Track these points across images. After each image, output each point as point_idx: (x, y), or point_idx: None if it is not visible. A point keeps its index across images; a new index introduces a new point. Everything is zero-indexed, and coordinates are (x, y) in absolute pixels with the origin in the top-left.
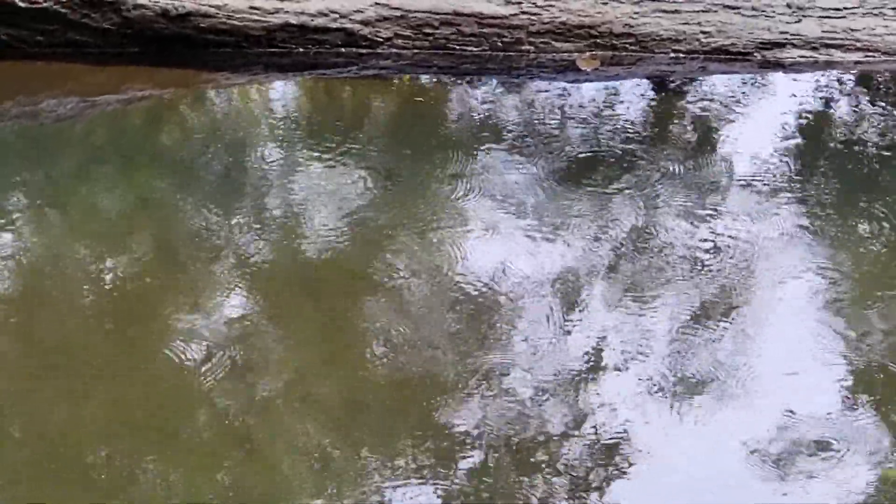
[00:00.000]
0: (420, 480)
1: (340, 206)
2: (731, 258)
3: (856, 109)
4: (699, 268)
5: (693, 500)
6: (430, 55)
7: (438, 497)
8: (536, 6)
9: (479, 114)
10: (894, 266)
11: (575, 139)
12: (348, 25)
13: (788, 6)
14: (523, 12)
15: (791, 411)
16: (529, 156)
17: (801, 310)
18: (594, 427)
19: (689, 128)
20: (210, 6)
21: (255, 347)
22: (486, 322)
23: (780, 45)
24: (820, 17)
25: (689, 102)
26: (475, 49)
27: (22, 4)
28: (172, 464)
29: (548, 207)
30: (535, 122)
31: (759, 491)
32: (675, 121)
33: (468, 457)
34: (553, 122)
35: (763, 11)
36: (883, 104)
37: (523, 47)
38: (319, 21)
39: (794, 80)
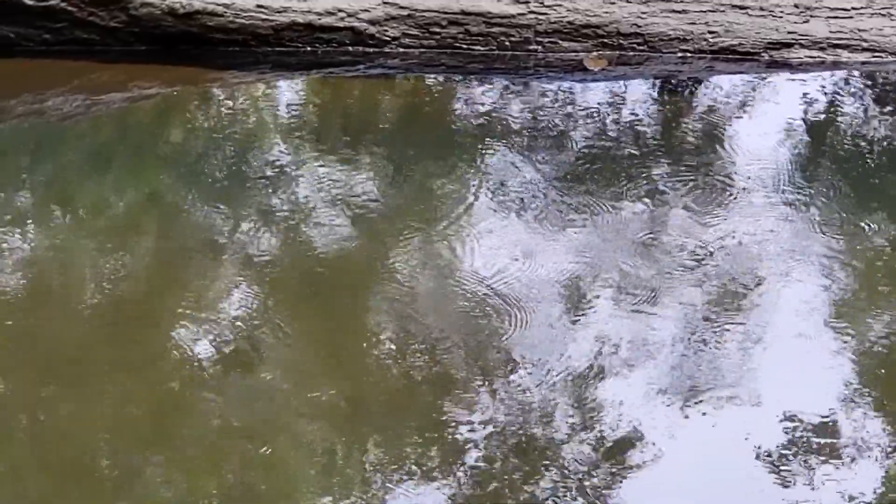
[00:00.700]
0: (425, 479)
1: (347, 204)
2: (739, 257)
3: (863, 109)
4: (708, 266)
5: (698, 501)
6: (438, 54)
7: (443, 495)
8: (544, 6)
9: (486, 113)
10: None
11: (582, 139)
12: (356, 24)
13: (796, 6)
14: (531, 12)
15: (794, 413)
16: (537, 155)
17: (808, 311)
18: (600, 428)
19: (696, 127)
20: (218, 4)
21: (261, 345)
22: (493, 320)
23: (787, 45)
24: (827, 17)
25: (696, 102)
26: (483, 48)
27: (29, 2)
28: (175, 464)
29: (556, 206)
30: (543, 121)
31: (764, 491)
32: (683, 120)
33: (474, 456)
34: (560, 121)
35: (771, 11)
36: (891, 104)
37: (531, 47)
38: (327, 20)
39: (802, 80)
